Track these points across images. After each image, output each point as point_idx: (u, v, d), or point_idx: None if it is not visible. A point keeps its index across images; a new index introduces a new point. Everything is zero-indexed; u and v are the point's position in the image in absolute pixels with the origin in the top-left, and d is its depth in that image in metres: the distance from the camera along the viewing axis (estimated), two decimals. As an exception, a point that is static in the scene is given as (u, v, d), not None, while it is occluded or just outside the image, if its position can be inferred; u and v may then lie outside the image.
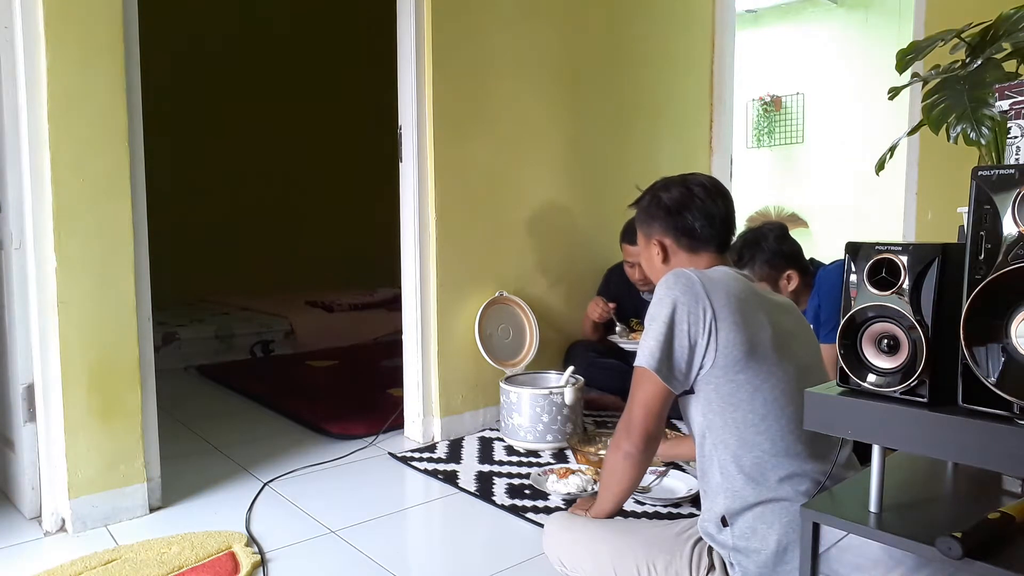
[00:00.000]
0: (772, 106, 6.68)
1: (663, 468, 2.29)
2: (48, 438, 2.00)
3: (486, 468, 2.48)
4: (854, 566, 0.98)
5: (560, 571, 1.46)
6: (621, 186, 3.15)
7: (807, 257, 2.40)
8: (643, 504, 2.12)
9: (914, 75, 1.81)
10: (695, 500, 2.08)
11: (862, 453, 1.26)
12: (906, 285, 0.93)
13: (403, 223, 2.81)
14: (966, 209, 0.90)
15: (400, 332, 2.90)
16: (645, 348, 1.31)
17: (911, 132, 1.96)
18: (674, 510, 2.09)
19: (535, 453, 2.62)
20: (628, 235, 2.94)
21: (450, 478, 2.39)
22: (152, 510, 2.13)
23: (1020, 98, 1.00)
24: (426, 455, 2.62)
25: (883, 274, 0.95)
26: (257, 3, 5.60)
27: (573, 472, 2.29)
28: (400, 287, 2.87)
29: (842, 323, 0.98)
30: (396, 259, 2.86)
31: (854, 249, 1.00)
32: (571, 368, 2.78)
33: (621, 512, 1.64)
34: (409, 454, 2.64)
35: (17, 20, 1.90)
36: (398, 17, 2.74)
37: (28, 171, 1.93)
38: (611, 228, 3.24)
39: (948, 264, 0.92)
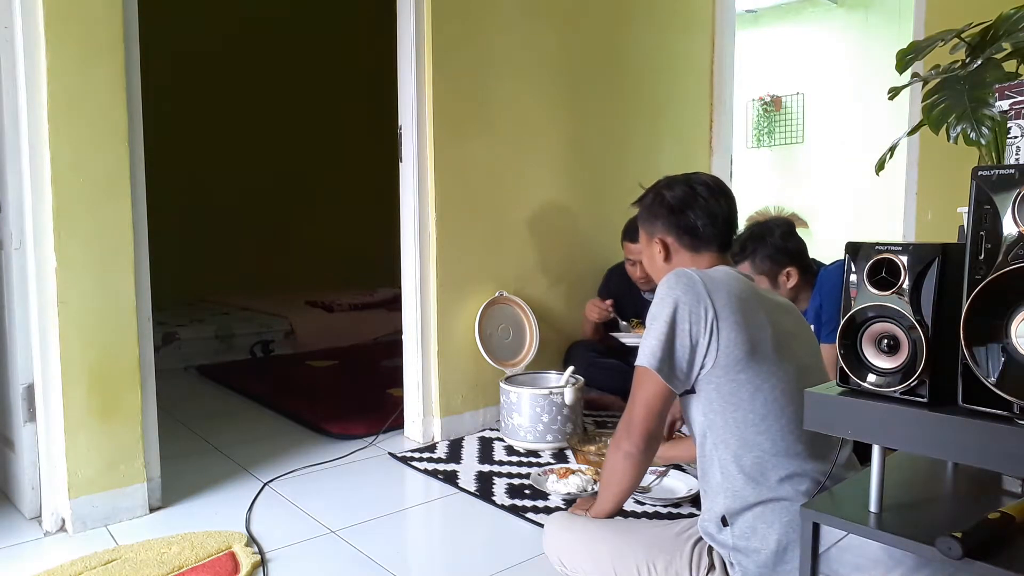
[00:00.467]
0: (772, 106, 6.68)
1: (663, 468, 2.29)
2: (48, 438, 2.00)
3: (486, 468, 2.48)
4: (854, 566, 0.98)
5: (560, 571, 1.46)
6: (621, 186, 3.16)
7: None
8: (643, 504, 2.12)
9: (914, 75, 1.81)
10: (695, 500, 2.08)
11: (862, 453, 1.26)
12: (906, 285, 0.93)
13: (403, 223, 2.81)
14: (966, 209, 0.90)
15: (400, 332, 2.90)
16: (646, 348, 1.31)
17: (911, 132, 1.96)
18: (674, 510, 2.09)
19: (535, 453, 2.62)
20: (630, 233, 2.94)
21: (450, 478, 2.39)
22: (152, 510, 2.13)
23: (1020, 98, 1.00)
24: (426, 455, 2.62)
25: (883, 274, 0.95)
26: (258, 3, 5.59)
27: (573, 472, 2.29)
28: (400, 287, 2.87)
29: (842, 323, 0.98)
30: (396, 259, 2.85)
31: (854, 249, 1.00)
32: (571, 368, 2.78)
33: (621, 512, 1.64)
34: (409, 454, 2.64)
35: (17, 20, 1.90)
36: (398, 17, 2.74)
37: (28, 171, 1.93)
38: (611, 228, 3.24)
39: (948, 264, 0.92)
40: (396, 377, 3.09)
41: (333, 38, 5.93)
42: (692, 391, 1.32)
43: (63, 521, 2.01)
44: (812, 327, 1.76)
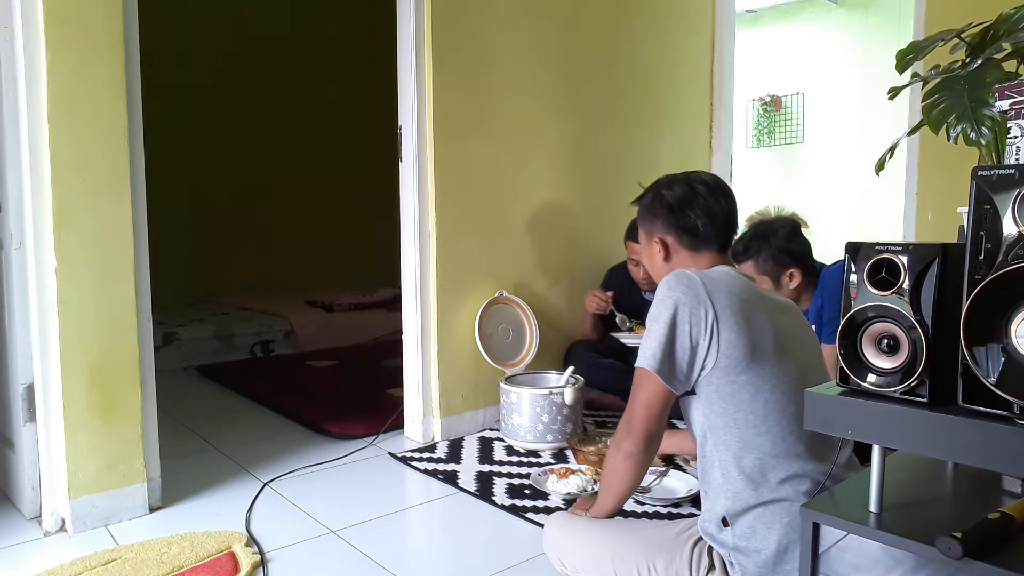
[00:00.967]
0: (772, 106, 6.68)
1: (663, 468, 2.29)
2: (48, 438, 2.00)
3: (486, 468, 2.48)
4: (854, 566, 0.98)
5: (560, 571, 1.46)
6: (621, 186, 3.16)
7: None
8: (643, 504, 2.12)
9: (914, 75, 1.80)
10: (695, 500, 2.08)
11: (862, 453, 1.26)
12: (906, 285, 0.93)
13: (403, 223, 2.80)
14: (966, 209, 0.90)
15: (400, 332, 2.90)
16: (647, 349, 1.31)
17: (911, 132, 1.96)
18: (674, 510, 2.09)
19: (535, 453, 2.62)
20: (633, 233, 2.93)
21: (450, 478, 2.39)
22: (152, 510, 2.13)
23: (1020, 98, 1.00)
24: (426, 455, 2.62)
25: (883, 274, 0.95)
26: (259, 4, 5.59)
27: (573, 472, 2.29)
28: (400, 287, 2.87)
29: (842, 323, 0.98)
30: (396, 259, 2.86)
31: (854, 249, 1.00)
32: (571, 368, 2.78)
33: (621, 512, 1.64)
34: (409, 454, 2.64)
35: (17, 20, 1.90)
36: (398, 17, 2.74)
37: (28, 171, 1.93)
38: (611, 227, 3.24)
39: (948, 264, 0.92)
40: (396, 377, 3.09)
41: (333, 38, 5.93)
42: (692, 392, 1.32)
43: (63, 521, 2.01)
44: (813, 327, 1.76)
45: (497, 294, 2.96)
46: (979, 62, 1.49)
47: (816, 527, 1.00)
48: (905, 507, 0.99)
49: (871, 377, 0.96)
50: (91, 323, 2.00)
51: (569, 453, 2.59)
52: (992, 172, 0.87)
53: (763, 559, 1.23)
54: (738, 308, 1.28)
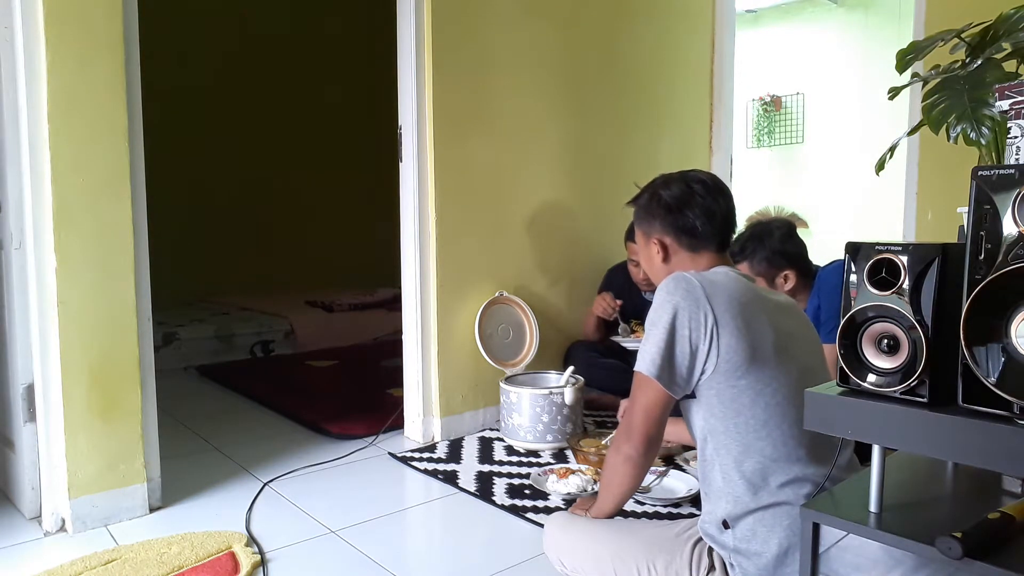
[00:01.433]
0: (772, 106, 6.68)
1: (663, 468, 2.29)
2: (48, 438, 2.00)
3: (486, 468, 2.48)
4: (854, 566, 0.98)
5: (560, 571, 1.46)
6: (621, 186, 3.15)
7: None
8: (643, 504, 2.12)
9: (914, 75, 1.80)
10: (695, 500, 2.08)
11: (862, 453, 1.26)
12: (906, 285, 0.93)
13: (403, 223, 2.80)
14: (966, 209, 0.90)
15: (400, 332, 2.90)
16: (646, 354, 1.30)
17: (911, 132, 1.96)
18: (674, 510, 2.09)
19: (535, 453, 2.62)
20: (633, 234, 2.93)
21: (450, 478, 2.39)
22: (152, 510, 2.13)
23: (1020, 98, 1.00)
24: (426, 455, 2.62)
25: (883, 274, 0.95)
26: (259, 4, 5.59)
27: (573, 472, 2.29)
28: (400, 287, 2.87)
29: (842, 323, 0.98)
30: (396, 259, 2.86)
31: (854, 249, 1.00)
32: (571, 368, 2.78)
33: (621, 512, 1.64)
34: (409, 454, 2.64)
35: (17, 20, 1.90)
36: (398, 17, 2.74)
37: (28, 171, 1.93)
38: (611, 228, 3.24)
39: (948, 264, 0.92)
40: (396, 377, 3.09)
41: (333, 38, 5.93)
42: (692, 395, 1.32)
43: (63, 521, 2.01)
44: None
45: (497, 294, 2.96)
46: (979, 62, 1.49)
47: (816, 527, 1.00)
48: (905, 507, 0.99)
49: (871, 377, 0.96)
50: (91, 323, 2.00)
51: (569, 453, 2.59)
52: (992, 172, 0.87)
53: (764, 562, 1.23)
54: (738, 312, 1.27)
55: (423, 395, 2.81)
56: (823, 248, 2.73)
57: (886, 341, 0.95)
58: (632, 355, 2.69)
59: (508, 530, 2.03)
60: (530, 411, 2.62)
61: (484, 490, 2.28)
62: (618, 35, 3.42)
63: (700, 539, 1.34)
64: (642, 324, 2.17)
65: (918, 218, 2.95)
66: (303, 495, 2.27)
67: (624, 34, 3.45)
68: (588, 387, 2.94)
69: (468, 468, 2.48)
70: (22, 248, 1.99)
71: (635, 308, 3.13)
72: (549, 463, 2.50)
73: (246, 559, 1.81)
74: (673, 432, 2.24)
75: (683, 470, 2.29)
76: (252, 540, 1.95)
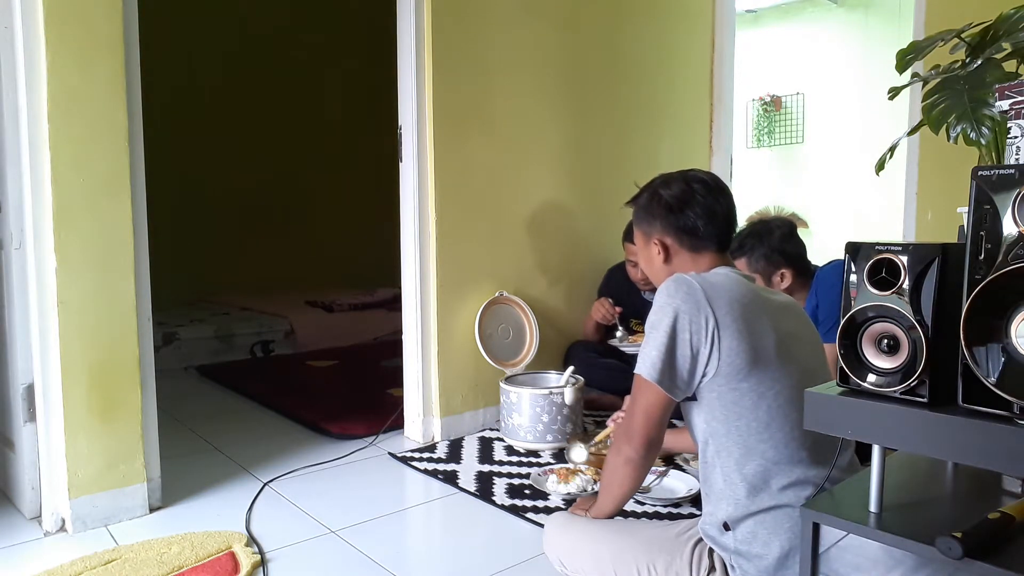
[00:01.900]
0: (772, 106, 6.68)
1: (663, 468, 2.29)
2: (48, 438, 2.00)
3: (486, 468, 2.48)
4: (854, 566, 0.98)
5: (560, 571, 1.46)
6: (621, 186, 3.14)
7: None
8: (643, 504, 2.12)
9: (914, 75, 1.80)
10: (695, 500, 2.08)
11: (862, 453, 1.26)
12: (906, 285, 0.93)
13: (403, 223, 2.80)
14: (966, 209, 0.90)
15: (400, 332, 2.90)
16: (646, 358, 1.29)
17: (911, 132, 1.96)
18: (674, 510, 2.09)
19: (535, 453, 2.62)
20: (630, 234, 2.92)
21: (450, 478, 2.39)
22: (152, 510, 2.13)
23: (1020, 98, 1.00)
24: (426, 455, 2.62)
25: (883, 274, 0.95)
26: (259, 4, 5.59)
27: (573, 472, 2.29)
28: (400, 287, 2.87)
29: (842, 323, 0.98)
30: (396, 259, 2.86)
31: (854, 249, 0.99)
32: (571, 368, 2.78)
33: (621, 512, 1.64)
34: (409, 454, 2.64)
35: (17, 20, 1.90)
36: (398, 17, 2.74)
37: (28, 171, 1.93)
38: (611, 228, 3.24)
39: (948, 264, 0.92)
40: (396, 377, 3.09)
41: (333, 37, 5.92)
42: (694, 398, 1.31)
43: (63, 521, 2.01)
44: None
45: (497, 294, 2.96)
46: (979, 62, 1.49)
47: (816, 527, 1.00)
48: (905, 507, 0.99)
49: (871, 377, 0.96)
50: (91, 323, 2.00)
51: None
52: (992, 172, 0.87)
53: (765, 565, 1.23)
54: (739, 314, 1.26)
55: (423, 395, 2.81)
56: (823, 248, 2.73)
57: (886, 341, 0.95)
58: (631, 356, 2.69)
59: (508, 530, 2.03)
60: (530, 411, 2.62)
61: (484, 490, 2.28)
62: (618, 35, 3.42)
63: (700, 540, 1.33)
64: (642, 324, 2.17)
65: (918, 218, 2.95)
66: (303, 495, 2.27)
67: (624, 34, 3.45)
68: (588, 387, 2.94)
69: (468, 468, 2.48)
70: (22, 248, 1.99)
71: (635, 308, 3.13)
72: (549, 463, 2.50)
73: (246, 559, 1.81)
74: (672, 441, 2.24)
75: (683, 470, 2.29)
76: (252, 540, 1.95)
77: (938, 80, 1.58)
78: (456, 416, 2.86)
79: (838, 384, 1.00)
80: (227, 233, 5.53)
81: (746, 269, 2.29)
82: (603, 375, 3.06)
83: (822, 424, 1.00)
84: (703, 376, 1.27)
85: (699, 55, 3.86)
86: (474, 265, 2.90)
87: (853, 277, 0.99)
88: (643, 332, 1.45)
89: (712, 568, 1.30)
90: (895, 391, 0.93)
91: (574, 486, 2.21)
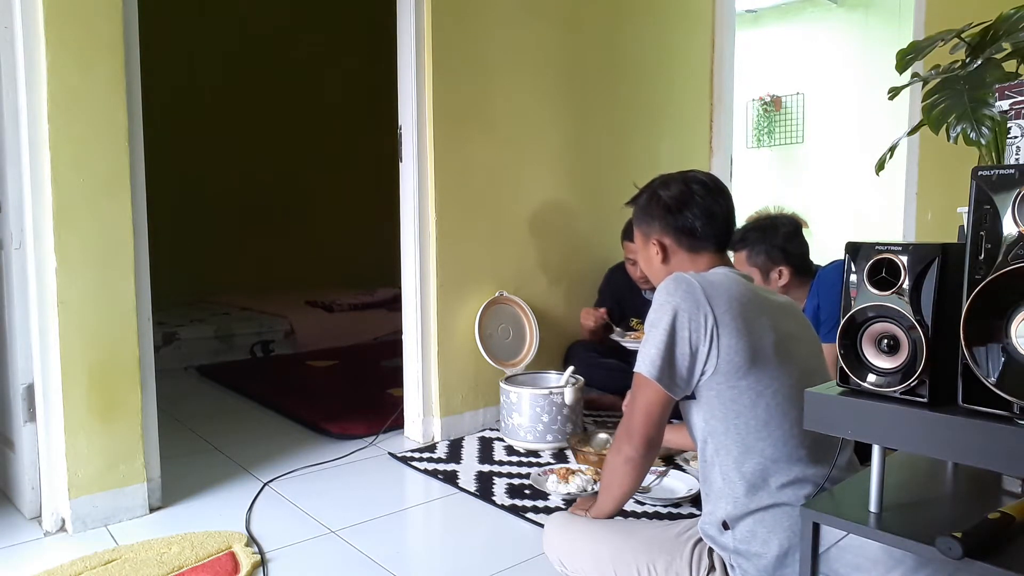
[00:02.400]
0: (772, 106, 6.68)
1: (663, 468, 2.29)
2: (48, 438, 2.00)
3: (486, 468, 2.48)
4: (854, 566, 0.98)
5: (560, 571, 1.46)
6: (621, 186, 3.14)
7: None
8: (643, 504, 2.12)
9: (914, 75, 1.80)
10: (695, 500, 2.09)
11: (862, 453, 1.26)
12: (906, 285, 0.93)
13: (403, 223, 2.80)
14: (966, 209, 0.90)
15: (400, 332, 2.90)
16: (646, 356, 1.29)
17: (911, 132, 1.96)
18: (674, 510, 2.09)
19: (535, 453, 2.62)
20: (629, 233, 2.93)
21: (450, 478, 2.39)
22: (152, 510, 2.13)
23: (1020, 98, 1.00)
24: (426, 455, 2.62)
25: (883, 274, 0.95)
26: (258, 3, 5.59)
27: (573, 472, 2.29)
28: (400, 287, 2.87)
29: (842, 323, 0.98)
30: (396, 259, 2.86)
31: (854, 249, 0.99)
32: (571, 368, 2.78)
33: (621, 512, 1.64)
34: (409, 454, 2.64)
35: (17, 20, 1.90)
36: (398, 17, 2.74)
37: (28, 171, 1.93)
38: (611, 228, 3.24)
39: (948, 264, 0.92)
40: (396, 377, 3.09)
41: (333, 37, 5.93)
42: (692, 396, 1.32)
43: (63, 521, 2.01)
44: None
45: (497, 294, 2.96)
46: (979, 62, 1.49)
47: (816, 527, 1.00)
48: (905, 507, 0.99)
49: (871, 377, 0.96)
50: (91, 323, 2.00)
51: (569, 453, 2.59)
52: (992, 172, 0.87)
53: (764, 563, 1.23)
54: (738, 313, 1.26)
55: (423, 395, 2.81)
56: (824, 248, 2.73)
57: (886, 341, 0.95)
58: (631, 353, 2.69)
59: (508, 530, 2.03)
60: (530, 411, 2.62)
61: (484, 490, 2.28)
62: (618, 35, 3.42)
63: (700, 539, 1.33)
64: (643, 323, 2.17)
65: (918, 218, 2.95)
66: (303, 495, 2.27)
67: (624, 34, 3.45)
68: (588, 387, 2.94)
69: (468, 468, 2.48)
70: (22, 248, 1.99)
71: (635, 307, 3.13)
72: (549, 463, 2.50)
73: (246, 559, 1.81)
74: (674, 438, 2.24)
75: (683, 470, 2.29)
76: (252, 540, 1.95)
77: (938, 80, 1.58)
78: (456, 416, 2.86)
79: (838, 384, 1.00)
80: (227, 233, 5.53)
81: (745, 261, 2.29)
82: (603, 375, 3.06)
83: (822, 424, 1.00)
84: (702, 374, 1.27)
85: (699, 55, 3.86)
86: (474, 265, 2.90)
87: (853, 277, 0.99)
88: (643, 330, 1.45)
89: (712, 568, 1.30)
90: (895, 391, 0.93)
91: (574, 486, 2.21)
